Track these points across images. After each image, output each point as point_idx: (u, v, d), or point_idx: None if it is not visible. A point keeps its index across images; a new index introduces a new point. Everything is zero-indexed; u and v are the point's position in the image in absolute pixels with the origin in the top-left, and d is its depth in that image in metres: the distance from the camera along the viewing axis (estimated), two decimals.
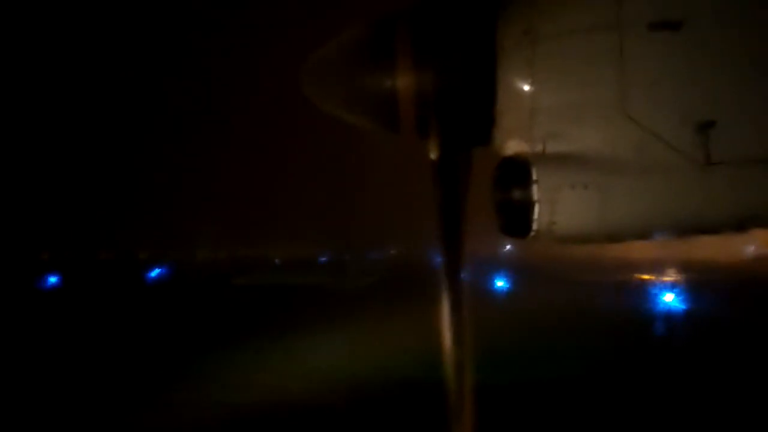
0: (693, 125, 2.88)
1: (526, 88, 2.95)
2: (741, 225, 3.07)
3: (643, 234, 3.10)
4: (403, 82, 3.00)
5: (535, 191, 2.86)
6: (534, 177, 2.86)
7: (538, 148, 2.96)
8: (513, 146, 3.05)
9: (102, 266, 64.64)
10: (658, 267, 46.48)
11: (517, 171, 2.92)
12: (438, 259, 3.22)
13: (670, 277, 43.57)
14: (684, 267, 43.74)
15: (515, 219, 2.96)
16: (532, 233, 2.92)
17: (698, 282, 38.35)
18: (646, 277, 47.40)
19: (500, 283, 44.11)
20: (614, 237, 3.07)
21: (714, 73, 2.90)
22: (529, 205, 2.87)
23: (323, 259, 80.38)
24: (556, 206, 2.86)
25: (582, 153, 2.92)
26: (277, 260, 78.48)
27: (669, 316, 28.62)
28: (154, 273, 59.40)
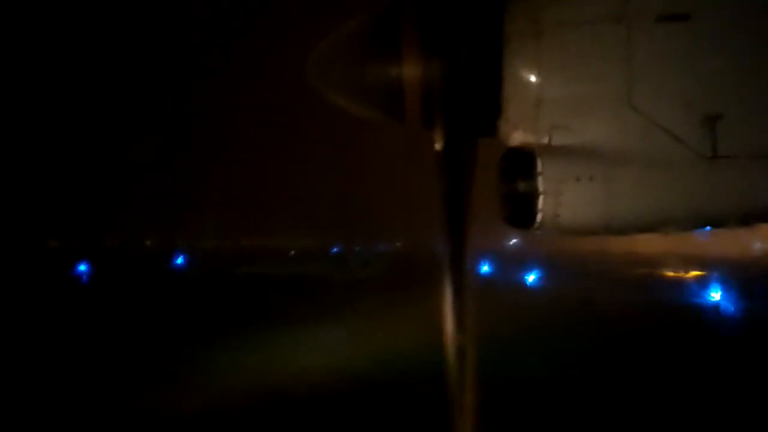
0: (700, 118, 2.86)
1: (533, 78, 2.94)
2: (746, 220, 3.06)
3: (648, 227, 3.08)
4: (409, 71, 2.98)
5: (540, 183, 2.85)
6: (539, 168, 2.85)
7: (544, 139, 2.95)
8: (518, 137, 3.04)
9: (127, 255, 65.41)
10: (674, 262, 45.63)
11: (523, 162, 2.91)
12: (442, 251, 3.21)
13: (695, 272, 42.39)
14: (702, 263, 42.91)
15: (520, 210, 2.95)
16: (536, 225, 2.92)
17: (734, 279, 36.62)
18: (670, 273, 46.24)
19: (531, 278, 43.49)
20: (619, 230, 3.06)
21: (721, 66, 2.88)
22: (533, 197, 2.87)
23: (335, 250, 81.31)
24: (561, 198, 2.86)
25: (588, 145, 2.91)
26: (292, 252, 79.11)
27: (731, 317, 28.10)
28: (177, 262, 60.45)
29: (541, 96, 2.94)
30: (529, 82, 2.94)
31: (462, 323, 2.99)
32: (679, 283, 40.50)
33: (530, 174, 2.87)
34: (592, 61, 2.91)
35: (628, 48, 2.87)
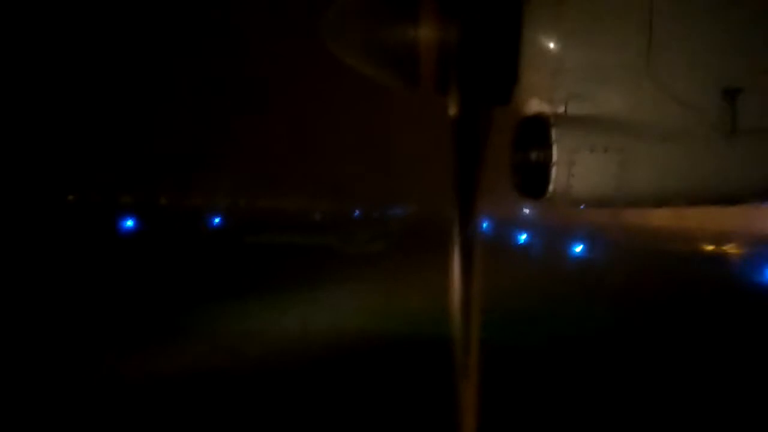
0: (720, 91, 2.81)
1: (551, 46, 2.88)
2: (761, 196, 3.02)
3: (662, 201, 3.06)
4: (426, 34, 2.93)
5: (554, 152, 2.83)
6: (553, 138, 2.82)
7: (560, 108, 2.91)
8: (534, 106, 3.01)
9: (167, 214, 66.37)
10: (703, 237, 44.56)
11: (537, 131, 2.89)
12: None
13: (733, 249, 41.32)
14: (727, 238, 41.86)
15: (532, 179, 2.94)
16: (549, 194, 2.91)
17: None
18: (709, 248, 45.04)
19: (578, 249, 43.10)
20: (632, 202, 3.04)
21: (744, 38, 2.81)
22: (546, 166, 2.85)
23: (357, 213, 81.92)
24: (574, 168, 2.83)
25: (604, 115, 2.87)
26: (317, 215, 79.55)
27: None
28: (215, 221, 61.96)
29: (558, 64, 2.89)
30: (548, 50, 2.89)
31: (468, 290, 3.00)
32: (726, 259, 39.59)
33: (544, 143, 2.85)
34: (612, 30, 2.85)
35: (649, 17, 2.80)
